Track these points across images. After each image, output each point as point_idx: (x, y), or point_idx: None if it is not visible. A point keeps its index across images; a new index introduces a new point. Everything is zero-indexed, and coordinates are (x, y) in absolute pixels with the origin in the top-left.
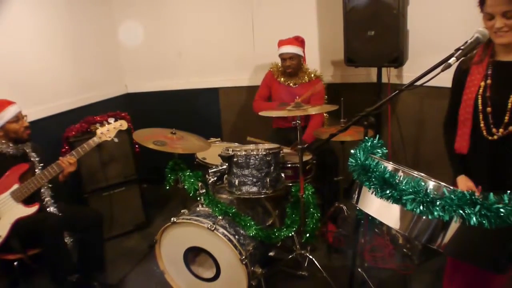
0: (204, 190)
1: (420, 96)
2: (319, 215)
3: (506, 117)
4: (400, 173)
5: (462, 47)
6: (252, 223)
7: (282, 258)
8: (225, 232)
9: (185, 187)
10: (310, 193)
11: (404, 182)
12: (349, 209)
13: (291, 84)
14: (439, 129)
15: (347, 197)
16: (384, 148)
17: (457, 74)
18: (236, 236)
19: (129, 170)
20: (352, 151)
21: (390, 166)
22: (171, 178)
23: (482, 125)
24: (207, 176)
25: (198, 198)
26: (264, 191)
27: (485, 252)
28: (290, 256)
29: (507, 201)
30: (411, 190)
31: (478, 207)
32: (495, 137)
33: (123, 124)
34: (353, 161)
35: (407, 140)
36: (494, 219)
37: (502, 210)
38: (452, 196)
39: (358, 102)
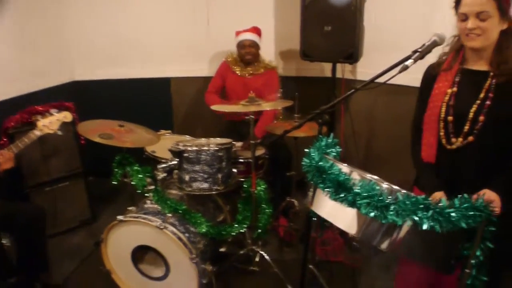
0: (153, 187)
1: (372, 92)
2: (271, 211)
3: (466, 127)
4: (355, 176)
5: (419, 50)
6: (203, 220)
7: (233, 253)
8: (175, 230)
9: (133, 183)
10: (262, 189)
11: (359, 186)
12: (301, 204)
13: (246, 75)
14: (390, 125)
15: (299, 192)
16: (338, 147)
17: (425, 80)
18: (186, 234)
19: (74, 163)
20: (306, 150)
21: (344, 168)
22: (118, 173)
23: (442, 133)
24: (155, 172)
25: (147, 195)
26: (215, 188)
27: (435, 254)
28: (242, 252)
29: (458, 205)
30: (365, 194)
31: (430, 211)
32: (454, 146)
33: (67, 116)
34: (308, 161)
35: (359, 135)
36: (446, 223)
37: (453, 214)
38: (406, 200)
39: (312, 96)
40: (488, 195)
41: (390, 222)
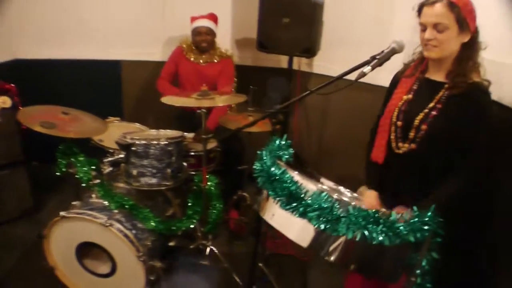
0: (98, 181)
1: (328, 86)
2: (221, 206)
3: (412, 134)
4: (307, 185)
5: (378, 57)
6: (151, 215)
7: (183, 246)
8: (121, 228)
9: (77, 176)
10: (213, 184)
11: (310, 197)
12: (252, 198)
13: (200, 62)
14: (343, 120)
15: (251, 185)
16: (291, 149)
17: (390, 85)
18: (133, 231)
19: (14, 150)
20: (258, 152)
21: (296, 176)
22: (62, 163)
23: (392, 137)
24: (101, 165)
25: (92, 189)
26: (164, 183)
27: (383, 266)
28: (192, 246)
29: (407, 220)
30: (317, 206)
31: (380, 226)
32: (400, 151)
33: (6, 102)
34: (259, 165)
35: (312, 128)
36: (394, 238)
37: (402, 228)
38: (357, 214)
39: (267, 87)
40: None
41: (340, 235)
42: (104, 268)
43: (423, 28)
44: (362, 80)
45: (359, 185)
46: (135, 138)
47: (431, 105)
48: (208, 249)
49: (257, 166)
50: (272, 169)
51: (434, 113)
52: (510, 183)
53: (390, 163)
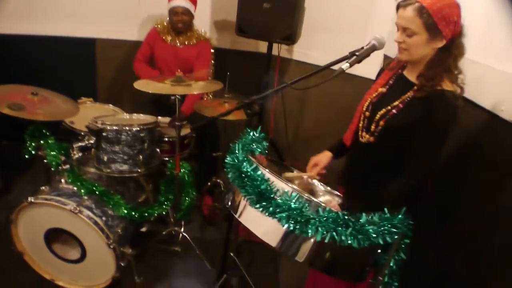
0: (67, 166)
1: (306, 72)
2: (194, 193)
3: (373, 127)
4: (277, 184)
5: (357, 53)
6: (122, 202)
7: (156, 231)
8: (91, 215)
9: (46, 161)
10: (186, 171)
11: (280, 197)
12: (226, 184)
13: (177, 44)
14: (320, 108)
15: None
16: (265, 142)
17: (376, 75)
18: (104, 218)
19: None
20: (231, 145)
21: (267, 174)
22: (31, 146)
23: (360, 125)
24: (71, 150)
25: (62, 174)
26: (136, 170)
27: (351, 267)
28: (164, 232)
29: (377, 222)
30: (286, 206)
31: (350, 229)
32: (363, 140)
33: None
34: (231, 160)
35: (289, 115)
36: (364, 240)
37: (371, 231)
38: (326, 216)
39: (245, 71)
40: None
41: (309, 236)
42: (74, 254)
43: (397, 28)
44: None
45: (334, 173)
46: (106, 123)
47: (396, 103)
48: (180, 236)
49: (228, 160)
50: (244, 164)
51: (394, 111)
52: (487, 184)
53: (355, 150)
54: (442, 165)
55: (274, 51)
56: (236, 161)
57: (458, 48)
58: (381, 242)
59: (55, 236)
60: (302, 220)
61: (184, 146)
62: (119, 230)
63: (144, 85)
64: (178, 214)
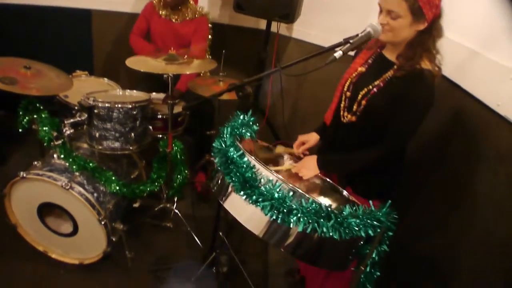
0: (60, 141)
1: (305, 52)
2: (186, 172)
3: (355, 107)
4: (262, 172)
5: (351, 41)
6: (114, 178)
7: (148, 206)
8: (82, 191)
9: (39, 136)
10: (178, 149)
11: (264, 186)
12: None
13: (173, 20)
14: (317, 87)
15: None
16: (256, 125)
17: (354, 54)
18: (95, 194)
19: None
20: (220, 128)
21: (253, 161)
22: (24, 119)
23: (341, 105)
24: (63, 126)
25: (54, 149)
26: (127, 147)
27: (332, 258)
28: (156, 209)
29: (360, 215)
30: (270, 195)
31: (332, 221)
32: (344, 120)
33: None
34: (218, 144)
35: (286, 94)
36: (345, 233)
37: (354, 224)
38: (309, 207)
39: (243, 48)
40: (302, 164)
41: (291, 226)
42: (66, 228)
43: (380, 9)
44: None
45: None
46: (98, 100)
47: (376, 82)
48: (173, 211)
49: (216, 144)
50: (230, 150)
51: (375, 90)
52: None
53: (336, 129)
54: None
55: (274, 29)
56: (223, 145)
57: (437, 29)
58: (363, 235)
59: (48, 210)
60: (285, 210)
61: (178, 124)
62: (111, 206)
63: (136, 63)
64: (170, 191)
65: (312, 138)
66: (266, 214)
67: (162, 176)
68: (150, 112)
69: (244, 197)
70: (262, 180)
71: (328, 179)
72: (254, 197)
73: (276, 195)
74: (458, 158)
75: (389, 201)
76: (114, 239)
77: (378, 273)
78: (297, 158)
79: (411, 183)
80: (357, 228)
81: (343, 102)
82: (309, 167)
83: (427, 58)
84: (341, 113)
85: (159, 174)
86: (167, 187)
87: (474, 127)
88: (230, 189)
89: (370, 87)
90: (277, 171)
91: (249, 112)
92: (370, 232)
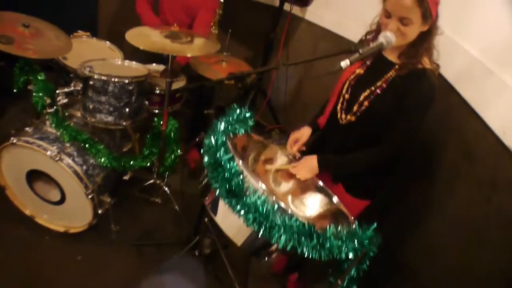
0: (52, 109)
1: (316, 36)
2: (179, 151)
3: (355, 108)
4: (250, 180)
5: (361, 51)
6: (105, 152)
7: (139, 178)
8: (71, 163)
9: (32, 101)
10: (173, 128)
11: (250, 197)
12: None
13: None
14: (323, 75)
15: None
16: (252, 120)
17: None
18: (84, 167)
19: None
20: (214, 122)
21: (242, 167)
22: (20, 80)
23: (338, 107)
24: (56, 95)
25: (46, 117)
26: (121, 122)
27: (311, 273)
28: (146, 184)
29: (344, 238)
30: (254, 209)
31: (314, 241)
32: (343, 122)
33: None
34: (209, 142)
35: (291, 76)
36: (325, 255)
37: (335, 246)
38: (292, 225)
39: (252, 24)
40: (302, 165)
41: (272, 242)
42: (54, 195)
43: (387, 15)
44: (347, 37)
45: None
46: (94, 72)
47: (379, 83)
48: (162, 187)
49: (207, 141)
50: (221, 151)
51: (378, 91)
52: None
53: (332, 131)
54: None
55: (287, 7)
56: (214, 144)
57: (436, 27)
58: (343, 256)
59: (37, 176)
60: (267, 225)
61: (175, 100)
62: (99, 180)
63: (136, 38)
64: (161, 168)
65: (305, 133)
66: (248, 226)
67: (154, 153)
68: (148, 86)
69: (228, 205)
70: (248, 190)
71: (320, 182)
72: (238, 207)
73: (260, 208)
74: (451, 173)
75: (375, 224)
76: (100, 212)
77: (355, 287)
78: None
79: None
80: (338, 251)
81: (340, 104)
82: (309, 168)
83: (426, 55)
84: (338, 115)
85: (151, 150)
86: (159, 163)
87: (474, 147)
88: (215, 192)
89: (373, 88)
90: (277, 171)
91: (246, 106)
92: (350, 255)
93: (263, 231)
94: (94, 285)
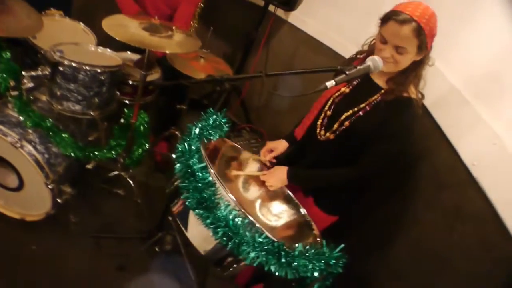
0: (16, 93)
1: (298, 40)
2: (147, 145)
3: (335, 125)
4: (221, 192)
5: (347, 72)
6: (69, 141)
7: (102, 168)
8: (32, 151)
9: None
10: (143, 122)
11: (221, 210)
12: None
13: None
14: (301, 80)
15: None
16: (227, 125)
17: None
18: (46, 155)
19: None
20: (188, 126)
21: (215, 178)
22: None
23: (318, 122)
24: (21, 78)
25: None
26: (89, 112)
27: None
28: (110, 175)
29: (311, 258)
30: (224, 223)
31: (282, 260)
32: (321, 138)
33: None
34: (182, 147)
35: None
36: (291, 273)
37: (301, 266)
38: (261, 242)
39: (234, 21)
40: (272, 174)
41: (240, 257)
42: (12, 181)
43: (383, 40)
44: (328, 45)
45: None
46: (65, 57)
47: (362, 105)
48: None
49: (180, 146)
50: (194, 159)
51: (360, 113)
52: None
53: (310, 146)
54: None
55: (272, 8)
56: (188, 150)
57: (428, 57)
58: (309, 275)
59: None
60: (237, 241)
61: (148, 92)
62: (61, 170)
63: (113, 28)
64: (127, 161)
65: (281, 145)
66: (216, 239)
67: (121, 145)
68: (120, 76)
69: (197, 216)
70: (219, 203)
71: (289, 191)
72: (208, 220)
73: (231, 223)
74: (418, 197)
75: (342, 245)
76: (60, 201)
77: None
78: (262, 163)
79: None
80: (304, 270)
81: (320, 120)
82: (278, 178)
83: (413, 84)
84: (317, 130)
85: (118, 142)
86: (125, 155)
87: (443, 174)
88: (184, 201)
89: (356, 109)
90: (249, 177)
91: (223, 111)
92: (316, 274)
93: (231, 246)
94: (47, 276)
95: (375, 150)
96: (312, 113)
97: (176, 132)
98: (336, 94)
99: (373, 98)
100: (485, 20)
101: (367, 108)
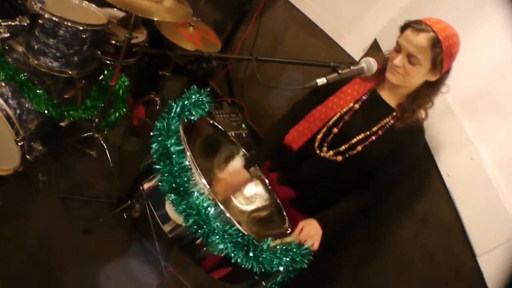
0: None
1: (291, 18)
2: (124, 110)
3: (343, 147)
4: (197, 179)
5: (340, 71)
6: (44, 97)
7: (76, 126)
8: (4, 105)
9: None
10: (123, 85)
11: (193, 198)
12: (163, 104)
13: None
14: (290, 56)
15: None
16: (210, 104)
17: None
18: (18, 111)
19: None
20: (169, 102)
21: (191, 164)
22: None
23: (319, 136)
24: None
25: None
26: (66, 70)
27: (237, 275)
28: (83, 135)
29: (278, 253)
30: (196, 211)
31: (250, 253)
32: (322, 154)
33: None
34: (161, 126)
35: (257, 51)
36: (257, 266)
37: (268, 259)
38: (230, 234)
39: None
40: (308, 229)
41: (208, 247)
42: None
43: (398, 49)
44: (322, 28)
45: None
46: (46, 10)
47: (374, 129)
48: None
49: (159, 124)
50: (172, 140)
51: (373, 138)
52: None
53: (306, 159)
54: None
55: None
56: (166, 129)
57: (443, 83)
58: (275, 269)
59: None
60: (207, 230)
61: (130, 55)
62: (33, 127)
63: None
64: (102, 123)
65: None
66: (185, 225)
67: (98, 107)
68: (103, 35)
69: (170, 201)
70: (193, 191)
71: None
72: (180, 207)
73: (203, 212)
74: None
75: (310, 242)
76: (29, 158)
77: None
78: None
79: None
80: (270, 265)
81: (322, 134)
82: (316, 231)
83: (425, 109)
84: (316, 144)
85: (95, 103)
86: (101, 117)
87: (418, 180)
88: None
89: (368, 133)
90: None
91: (207, 89)
92: (281, 269)
93: (200, 233)
94: (9, 232)
95: (389, 177)
96: (315, 125)
97: (156, 98)
98: (344, 110)
99: (385, 120)
100: (477, 37)
101: (380, 132)
